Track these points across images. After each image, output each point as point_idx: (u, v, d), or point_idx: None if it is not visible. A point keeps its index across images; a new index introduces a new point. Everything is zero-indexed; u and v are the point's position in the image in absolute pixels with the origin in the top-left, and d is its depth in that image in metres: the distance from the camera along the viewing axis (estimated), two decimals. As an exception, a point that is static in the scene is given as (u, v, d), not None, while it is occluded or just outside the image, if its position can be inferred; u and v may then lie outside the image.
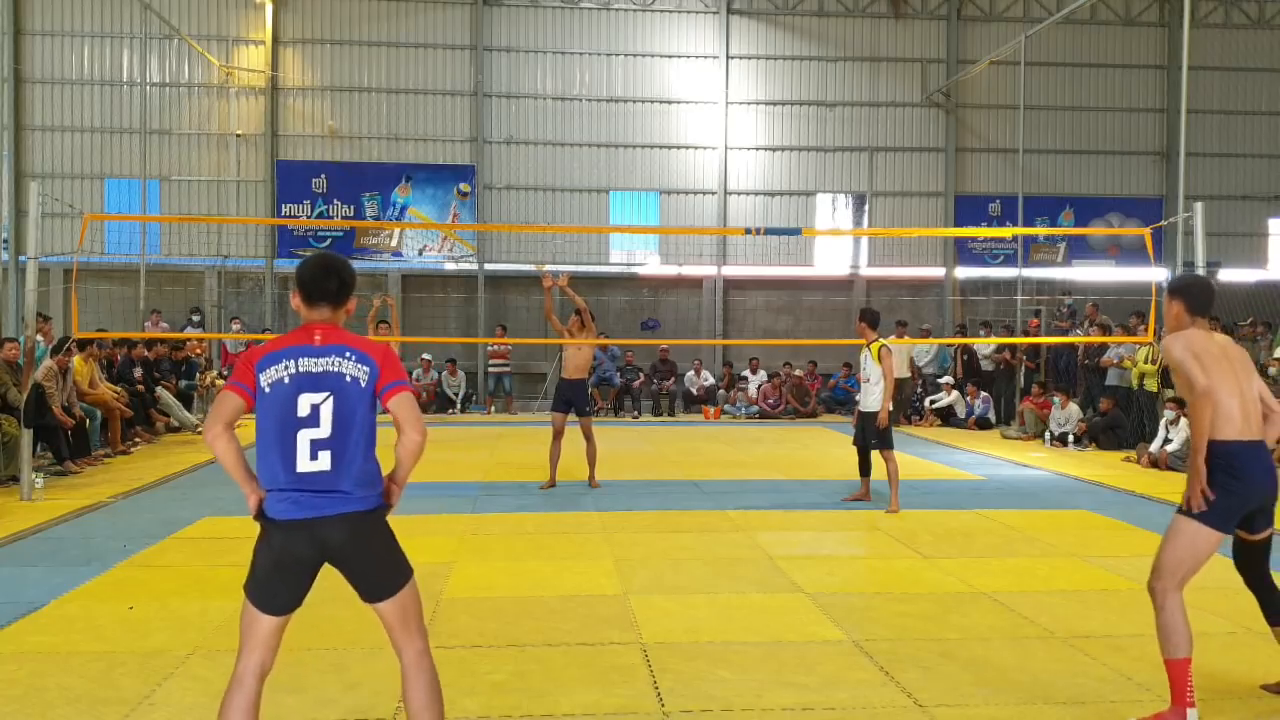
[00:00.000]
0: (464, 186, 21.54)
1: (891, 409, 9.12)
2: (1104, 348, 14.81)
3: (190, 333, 18.25)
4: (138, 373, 13.93)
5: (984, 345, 17.46)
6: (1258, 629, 4.38)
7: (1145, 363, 13.76)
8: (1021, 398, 16.19)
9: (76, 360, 11.31)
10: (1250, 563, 4.29)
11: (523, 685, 4.44)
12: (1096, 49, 22.72)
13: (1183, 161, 14.08)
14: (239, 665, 3.15)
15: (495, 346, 19.31)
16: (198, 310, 20.56)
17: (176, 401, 14.59)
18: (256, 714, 3.14)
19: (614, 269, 22.14)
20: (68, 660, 4.72)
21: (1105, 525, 8.42)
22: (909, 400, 17.28)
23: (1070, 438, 13.84)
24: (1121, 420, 13.76)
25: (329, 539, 3.11)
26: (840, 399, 18.79)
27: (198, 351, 16.59)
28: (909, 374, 17.15)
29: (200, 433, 13.91)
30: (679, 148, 22.03)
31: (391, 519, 3.29)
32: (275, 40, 21.17)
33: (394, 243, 21.64)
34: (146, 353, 14.50)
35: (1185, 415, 10.85)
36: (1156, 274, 17.71)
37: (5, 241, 18.84)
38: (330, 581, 3.30)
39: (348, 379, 3.15)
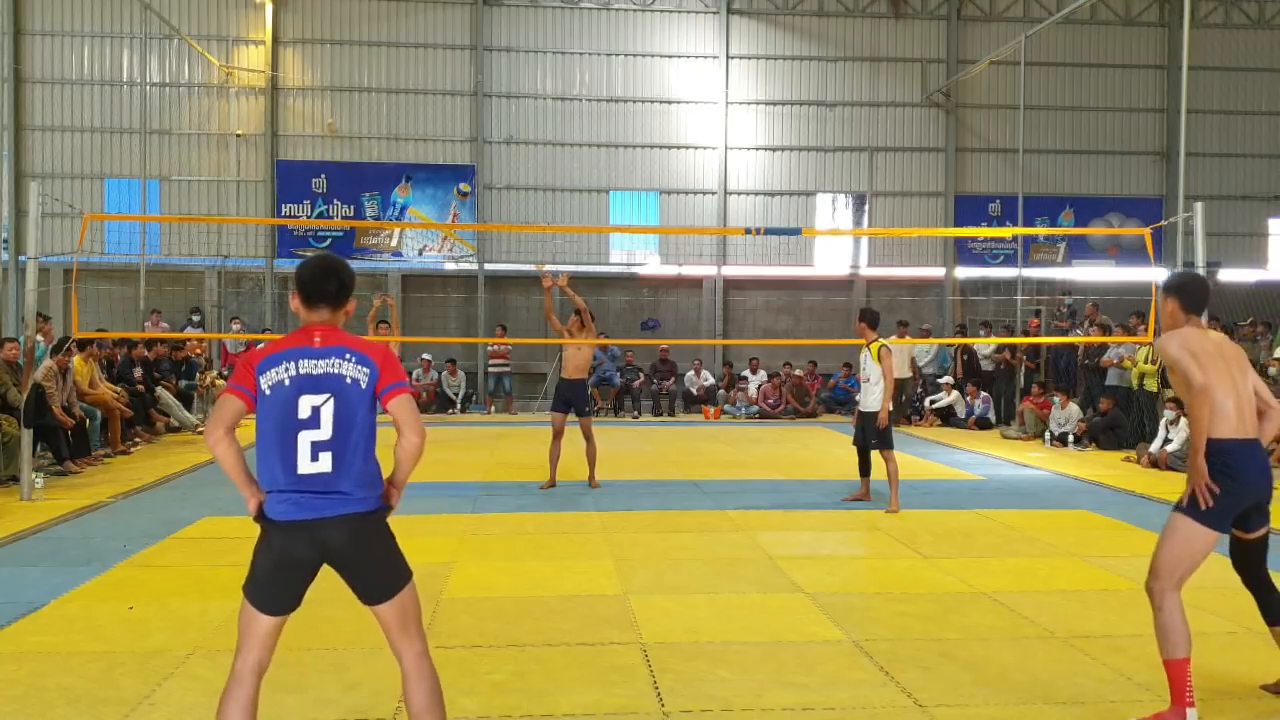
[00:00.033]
0: (464, 186, 21.54)
1: (892, 409, 9.13)
2: (1104, 348, 14.81)
3: (190, 333, 18.26)
4: (138, 373, 13.94)
5: (984, 345, 17.46)
6: (1257, 629, 4.38)
7: (1145, 363, 13.76)
8: (1021, 398, 16.19)
9: (76, 360, 11.31)
10: (1248, 562, 4.28)
11: (523, 685, 4.44)
12: (1096, 49, 22.72)
13: (1183, 161, 14.08)
14: (237, 663, 3.17)
15: (495, 346, 19.31)
16: (198, 310, 20.56)
17: (176, 401, 14.59)
18: (255, 710, 3.16)
19: (614, 269, 22.15)
20: (68, 660, 4.72)
21: (1105, 525, 8.42)
22: (910, 400, 17.30)
23: (1070, 438, 13.84)
24: (1121, 420, 13.76)
25: (329, 540, 3.12)
26: (840, 399, 18.79)
27: (198, 351, 16.59)
28: (911, 374, 17.16)
29: (200, 433, 14.05)
30: (679, 148, 22.03)
31: (391, 519, 3.30)
32: (275, 40, 21.17)
33: (394, 243, 21.64)
34: (146, 353, 14.50)
35: (1185, 415, 10.85)
36: (1157, 274, 17.66)
37: (5, 241, 18.84)
38: (330, 582, 3.30)
39: (348, 380, 3.17)
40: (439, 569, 6.41)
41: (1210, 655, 4.71)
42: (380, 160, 21.44)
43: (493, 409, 19.05)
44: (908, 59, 22.41)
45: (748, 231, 13.28)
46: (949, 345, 18.57)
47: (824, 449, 13.64)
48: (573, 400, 9.83)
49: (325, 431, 3.12)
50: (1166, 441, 11.85)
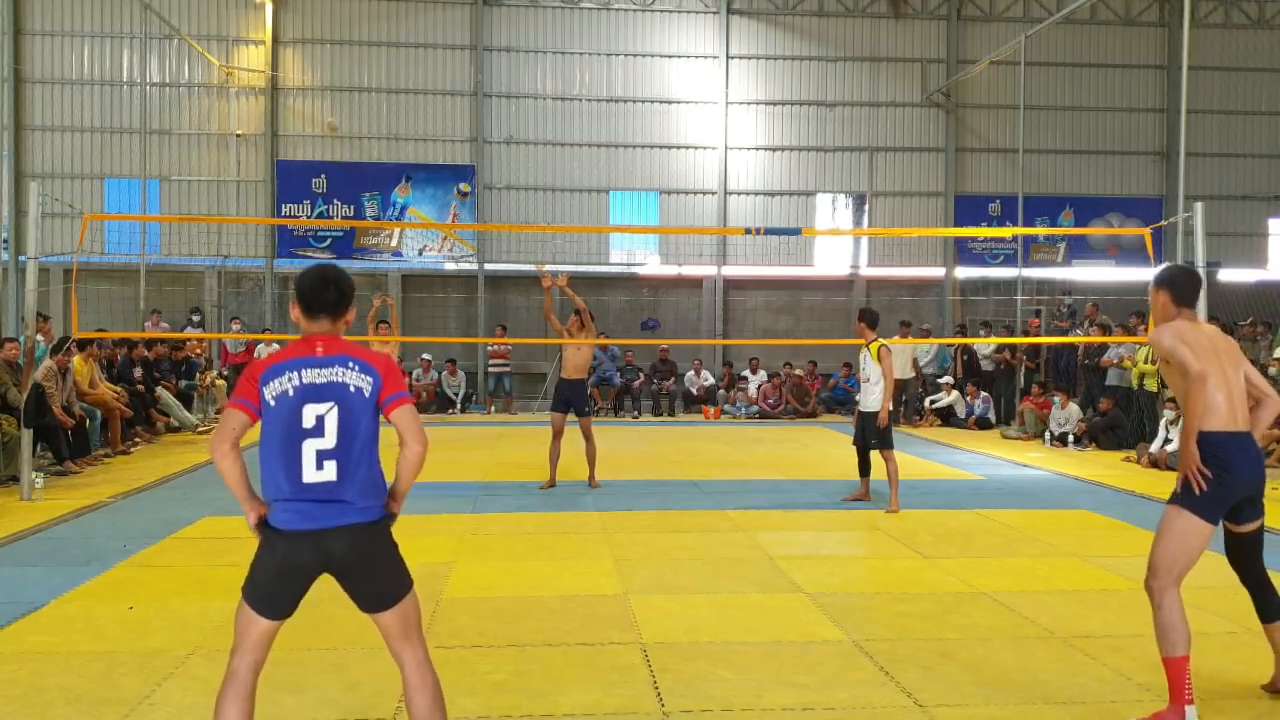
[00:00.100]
0: (464, 186, 21.54)
1: (892, 409, 9.12)
2: (1104, 348, 14.81)
3: (190, 333, 18.25)
4: (138, 373, 13.94)
5: (984, 345, 17.46)
6: (1257, 628, 4.38)
7: (1145, 363, 13.75)
8: (1021, 398, 16.19)
9: (76, 360, 11.31)
10: (1243, 557, 4.29)
11: (523, 685, 4.44)
12: (1096, 49, 22.72)
13: (1183, 161, 14.08)
14: (233, 662, 3.19)
15: (495, 346, 19.30)
16: (198, 310, 20.56)
17: (176, 401, 14.60)
18: (252, 707, 3.18)
19: (614, 269, 22.15)
20: (68, 660, 4.72)
21: (1105, 525, 8.42)
22: (912, 401, 17.29)
23: (1070, 438, 13.84)
24: (1121, 420, 13.76)
25: (333, 550, 3.14)
26: (840, 399, 18.79)
27: (198, 352, 16.59)
28: (912, 374, 17.16)
29: (200, 432, 14.06)
30: (679, 148, 22.03)
31: (391, 520, 3.32)
32: (275, 40, 21.17)
33: (394, 243, 21.64)
34: (146, 353, 14.50)
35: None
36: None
37: (5, 241, 18.84)
38: (330, 582, 3.30)
39: (352, 389, 3.19)
40: (439, 569, 6.41)
41: (1210, 655, 4.72)
42: (380, 160, 21.44)
43: (493, 409, 19.05)
44: (908, 59, 22.41)
45: (748, 231, 13.29)
46: (949, 345, 18.57)
47: (824, 449, 13.64)
48: (572, 400, 9.83)
49: (330, 440, 3.14)
50: (1167, 441, 11.84)
